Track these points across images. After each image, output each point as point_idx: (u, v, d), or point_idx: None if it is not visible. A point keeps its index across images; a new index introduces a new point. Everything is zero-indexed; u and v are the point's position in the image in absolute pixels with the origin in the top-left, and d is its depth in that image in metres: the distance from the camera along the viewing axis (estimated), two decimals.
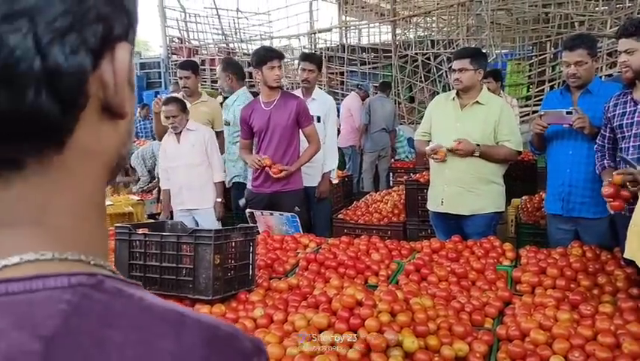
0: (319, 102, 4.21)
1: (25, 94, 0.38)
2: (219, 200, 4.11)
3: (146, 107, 9.26)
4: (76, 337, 0.37)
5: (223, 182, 4.22)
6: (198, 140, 4.02)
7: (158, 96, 4.88)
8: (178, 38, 11.58)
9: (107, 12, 0.41)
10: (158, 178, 5.58)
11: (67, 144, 0.41)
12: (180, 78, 4.61)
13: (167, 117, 3.96)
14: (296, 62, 11.17)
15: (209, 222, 4.01)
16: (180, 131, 4.00)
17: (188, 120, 4.05)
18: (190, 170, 4.03)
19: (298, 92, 4.21)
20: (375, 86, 7.84)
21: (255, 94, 4.37)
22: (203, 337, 0.40)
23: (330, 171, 4.21)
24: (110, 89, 0.43)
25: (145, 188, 6.49)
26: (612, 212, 2.44)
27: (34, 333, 0.36)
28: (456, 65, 3.29)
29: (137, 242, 2.27)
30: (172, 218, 4.10)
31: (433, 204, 3.45)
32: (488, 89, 3.66)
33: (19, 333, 0.36)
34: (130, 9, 0.44)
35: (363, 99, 7.46)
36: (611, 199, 2.37)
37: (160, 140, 4.87)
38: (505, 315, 2.07)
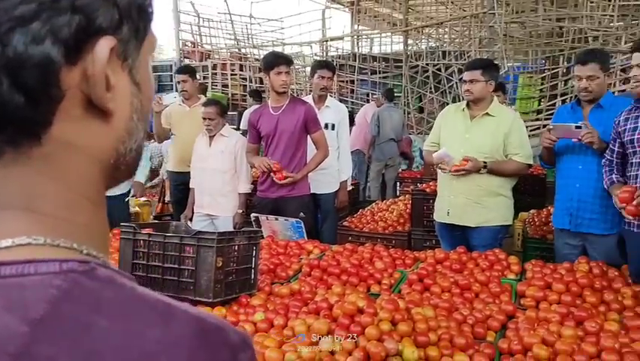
0: (333, 110, 4.19)
1: None
2: (240, 211, 4.05)
3: None
4: (64, 321, 0.37)
5: (247, 194, 4.15)
6: (228, 147, 3.99)
7: (158, 95, 4.91)
8: (191, 42, 11.64)
9: (85, 4, 0.40)
10: (162, 179, 5.54)
11: (45, 136, 0.40)
12: (178, 82, 4.69)
13: (203, 119, 3.97)
14: (306, 69, 11.28)
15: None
16: (214, 135, 4.00)
17: (224, 125, 4.05)
18: (215, 175, 3.99)
19: (309, 99, 4.19)
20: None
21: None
22: (192, 328, 0.40)
23: (346, 180, 4.21)
24: (90, 84, 0.41)
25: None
26: (628, 218, 2.41)
27: (23, 316, 0.36)
28: (467, 76, 3.27)
29: (141, 242, 2.27)
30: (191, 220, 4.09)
31: (439, 215, 3.42)
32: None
33: (8, 315, 0.36)
34: (121, 3, 0.42)
35: (378, 107, 7.47)
36: (625, 204, 2.34)
37: (159, 141, 4.88)
38: (508, 329, 2.04)
